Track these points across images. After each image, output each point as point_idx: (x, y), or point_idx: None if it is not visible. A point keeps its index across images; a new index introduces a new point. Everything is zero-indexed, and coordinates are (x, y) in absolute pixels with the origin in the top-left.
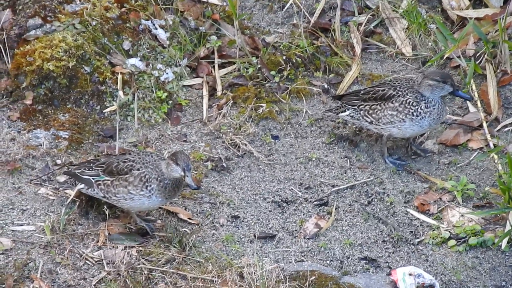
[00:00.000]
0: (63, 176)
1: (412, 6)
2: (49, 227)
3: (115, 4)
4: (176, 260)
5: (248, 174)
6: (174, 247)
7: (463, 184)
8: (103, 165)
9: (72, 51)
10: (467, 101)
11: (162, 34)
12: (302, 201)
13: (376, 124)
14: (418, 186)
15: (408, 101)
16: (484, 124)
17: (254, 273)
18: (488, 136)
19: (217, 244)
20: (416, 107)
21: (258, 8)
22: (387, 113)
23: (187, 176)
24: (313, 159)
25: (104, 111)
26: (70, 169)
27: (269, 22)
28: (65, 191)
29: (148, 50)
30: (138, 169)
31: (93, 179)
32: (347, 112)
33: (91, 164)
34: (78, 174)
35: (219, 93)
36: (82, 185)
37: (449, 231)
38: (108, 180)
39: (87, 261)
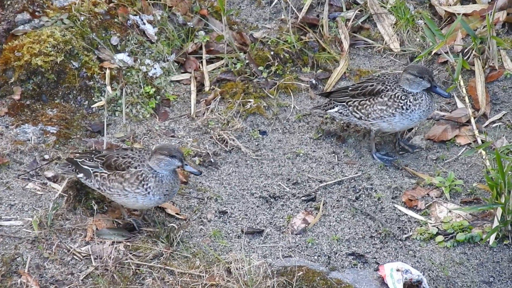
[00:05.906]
0: (51, 171)
1: (400, 1)
2: (37, 222)
3: None
4: (164, 255)
5: (235, 170)
6: (162, 242)
7: (451, 180)
8: (103, 158)
9: (60, 46)
10: (456, 97)
11: (150, 29)
12: (290, 197)
13: (366, 120)
14: (406, 182)
15: (397, 95)
16: (472, 120)
17: (242, 268)
18: (476, 132)
19: (204, 239)
20: (405, 100)
21: (246, 3)
22: (377, 108)
23: (186, 164)
24: (301, 154)
25: (92, 106)
26: (72, 158)
27: (257, 18)
28: (64, 175)
29: (136, 46)
30: (135, 167)
31: (91, 170)
32: (336, 109)
33: (92, 155)
34: (79, 163)
35: (207, 89)
36: (81, 174)
37: (437, 227)
38: (106, 173)
39: (74, 256)
